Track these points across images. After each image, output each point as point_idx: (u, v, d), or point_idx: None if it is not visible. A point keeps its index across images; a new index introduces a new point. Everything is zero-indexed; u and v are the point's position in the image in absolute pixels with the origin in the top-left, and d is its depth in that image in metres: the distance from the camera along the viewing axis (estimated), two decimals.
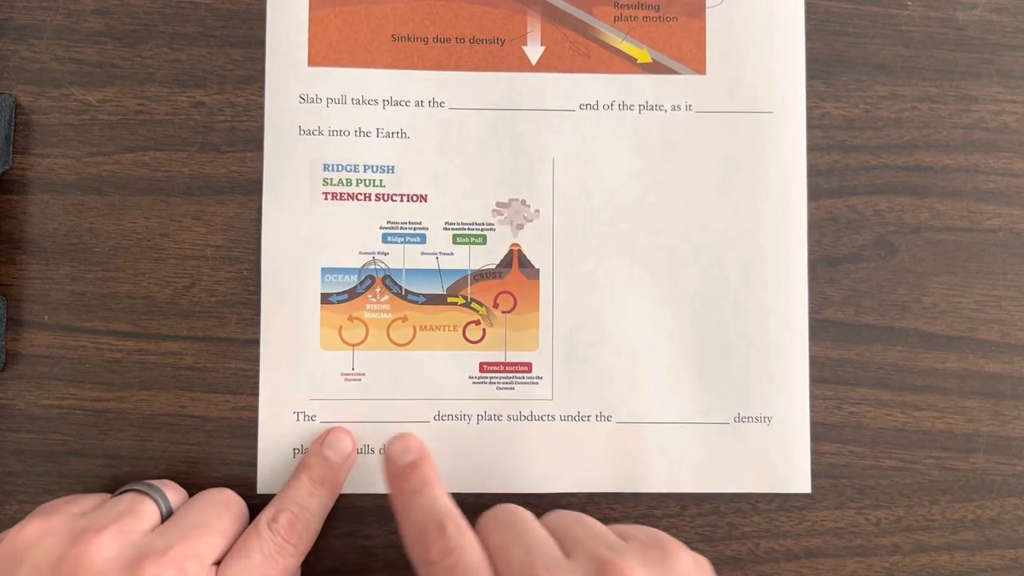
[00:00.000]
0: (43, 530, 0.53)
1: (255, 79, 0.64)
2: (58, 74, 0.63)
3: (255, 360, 0.63)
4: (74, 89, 0.63)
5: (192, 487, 0.60)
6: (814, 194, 0.65)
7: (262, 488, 0.62)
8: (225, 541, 0.56)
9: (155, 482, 0.59)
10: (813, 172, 0.65)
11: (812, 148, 0.65)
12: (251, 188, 0.63)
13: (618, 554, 0.51)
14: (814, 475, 0.64)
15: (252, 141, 0.63)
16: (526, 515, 0.56)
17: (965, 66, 0.66)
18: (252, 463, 0.63)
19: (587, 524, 0.55)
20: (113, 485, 0.62)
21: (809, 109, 0.65)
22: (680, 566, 0.52)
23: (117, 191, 0.63)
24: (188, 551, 0.53)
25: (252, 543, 0.56)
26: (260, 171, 0.63)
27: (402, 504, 0.58)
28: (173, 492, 0.59)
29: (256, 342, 0.63)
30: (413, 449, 0.60)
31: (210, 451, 0.63)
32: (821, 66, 0.65)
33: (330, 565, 0.63)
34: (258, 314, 0.63)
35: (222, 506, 0.58)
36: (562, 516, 0.57)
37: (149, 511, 0.56)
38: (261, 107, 0.64)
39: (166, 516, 0.57)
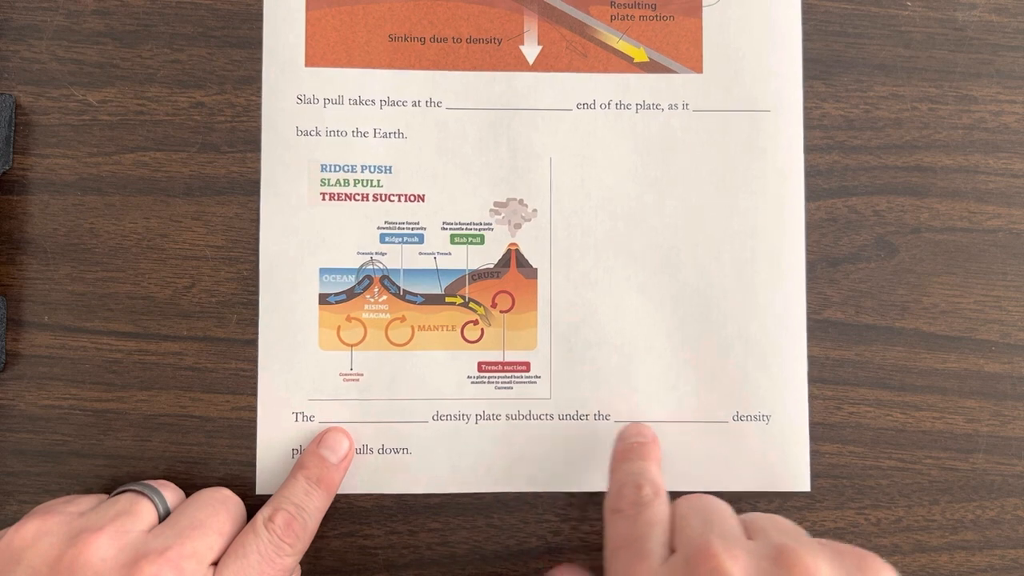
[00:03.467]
0: (40, 530, 0.53)
1: (255, 79, 0.64)
2: (58, 74, 0.63)
3: (255, 360, 0.63)
4: (74, 89, 0.63)
5: (192, 487, 0.60)
6: (814, 194, 0.65)
7: (261, 489, 0.63)
8: (223, 540, 0.56)
9: (152, 482, 0.59)
10: (813, 172, 0.65)
11: (812, 148, 0.65)
12: (251, 188, 0.63)
13: (803, 546, 0.49)
14: (814, 475, 0.64)
15: (252, 141, 0.63)
16: (720, 502, 0.55)
17: (965, 66, 0.66)
18: (252, 463, 0.63)
19: (782, 523, 0.54)
20: (113, 485, 0.62)
21: (809, 109, 0.65)
22: None
23: (117, 191, 0.63)
24: (186, 551, 0.53)
25: (249, 543, 0.56)
26: (259, 171, 0.63)
27: (616, 468, 0.60)
28: (170, 492, 0.59)
29: (256, 343, 0.63)
30: (645, 434, 0.62)
31: (210, 451, 0.63)
32: (821, 66, 0.65)
33: (330, 565, 0.63)
34: (258, 314, 0.63)
35: (220, 505, 0.58)
36: (759, 513, 0.56)
37: (146, 511, 0.56)
38: (261, 107, 0.64)
39: (163, 516, 0.57)
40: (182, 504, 0.58)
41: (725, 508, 0.54)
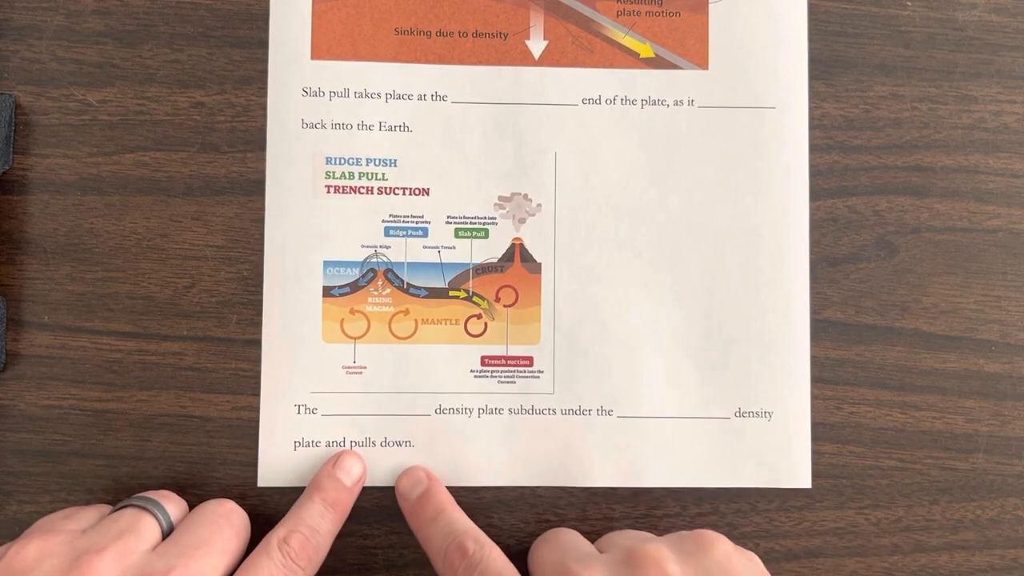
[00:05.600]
0: (42, 552, 0.52)
1: (255, 79, 0.64)
2: (58, 74, 0.63)
3: (255, 360, 0.63)
4: (74, 89, 0.63)
5: (192, 487, 0.60)
6: (814, 194, 0.65)
7: (263, 481, 0.62)
8: (227, 559, 0.56)
9: (154, 495, 0.59)
10: (813, 172, 0.65)
11: (812, 148, 0.65)
12: (251, 188, 0.63)
13: (648, 542, 0.54)
14: (814, 475, 0.64)
15: (252, 141, 0.64)
16: (570, 531, 0.59)
17: (965, 66, 0.66)
18: (252, 463, 0.63)
19: (631, 532, 0.59)
20: (113, 485, 0.62)
21: (810, 109, 0.65)
22: (717, 551, 0.54)
23: (117, 191, 0.63)
24: (190, 572, 0.52)
25: (261, 564, 0.55)
26: (260, 171, 0.63)
27: (424, 535, 0.60)
28: (173, 505, 0.58)
29: (256, 342, 0.63)
30: (421, 480, 0.62)
31: (210, 451, 0.63)
32: (821, 66, 0.66)
33: (330, 565, 0.62)
34: (258, 314, 0.63)
35: (223, 520, 0.57)
36: (611, 533, 0.60)
37: (149, 528, 0.55)
38: (261, 107, 0.64)
39: (167, 531, 0.56)
40: (185, 520, 0.58)
41: (574, 535, 0.59)
